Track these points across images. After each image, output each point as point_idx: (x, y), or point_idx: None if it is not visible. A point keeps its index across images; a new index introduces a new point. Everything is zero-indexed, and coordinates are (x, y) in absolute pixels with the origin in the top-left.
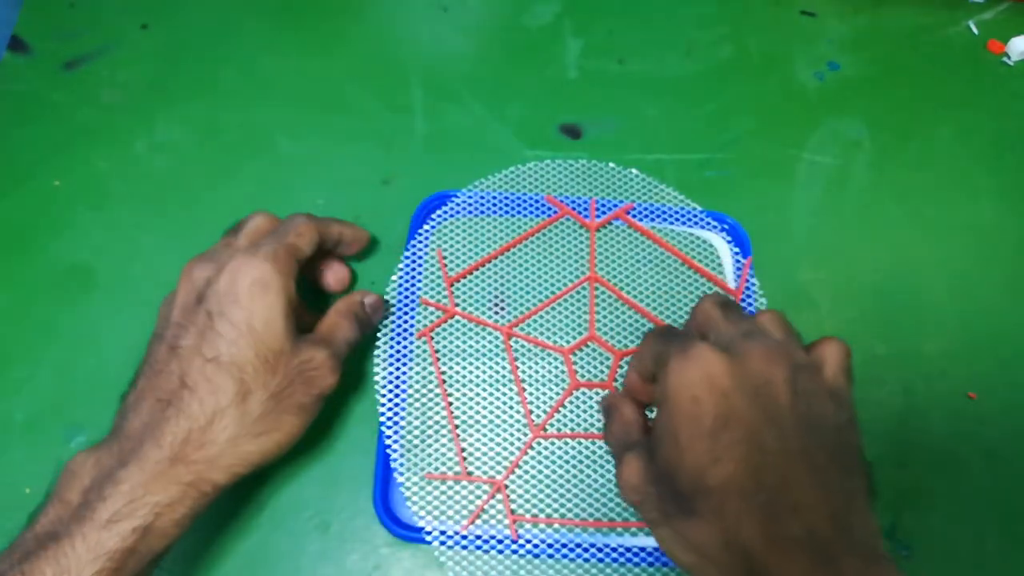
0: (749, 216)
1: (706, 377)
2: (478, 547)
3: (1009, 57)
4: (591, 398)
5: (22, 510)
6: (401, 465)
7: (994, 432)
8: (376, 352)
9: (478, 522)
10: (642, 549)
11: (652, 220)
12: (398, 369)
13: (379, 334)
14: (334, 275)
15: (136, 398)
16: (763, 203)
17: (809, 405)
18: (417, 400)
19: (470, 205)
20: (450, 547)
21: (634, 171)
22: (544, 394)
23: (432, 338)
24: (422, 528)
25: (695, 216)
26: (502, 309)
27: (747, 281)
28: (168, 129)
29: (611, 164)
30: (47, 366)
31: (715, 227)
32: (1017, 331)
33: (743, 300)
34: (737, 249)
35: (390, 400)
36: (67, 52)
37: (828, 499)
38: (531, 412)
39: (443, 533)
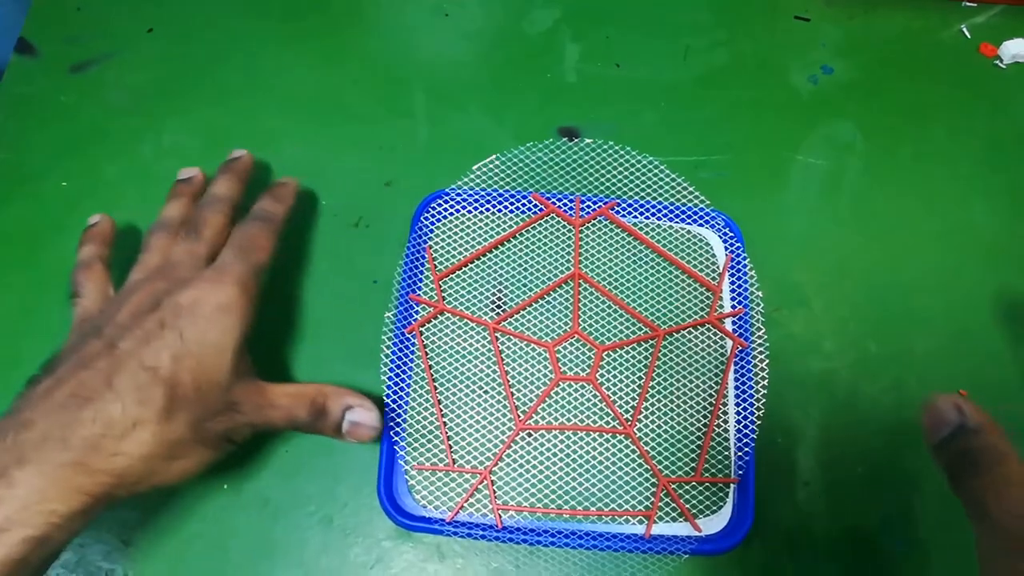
0: (744, 217)
1: None
2: (463, 535)
3: (1001, 60)
4: (575, 391)
5: None
6: (405, 455)
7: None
8: (382, 348)
9: (468, 510)
10: (616, 536)
11: (641, 216)
12: (402, 364)
13: (385, 329)
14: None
15: (49, 387)
16: (757, 205)
17: None
18: (411, 393)
19: (463, 201)
20: (446, 534)
21: (649, 158)
22: (529, 387)
23: (421, 333)
24: (425, 517)
25: (686, 212)
26: (500, 306)
27: (734, 278)
28: (174, 132)
29: (629, 150)
30: None
31: (708, 222)
32: (1007, 330)
33: (732, 297)
34: (729, 240)
35: (394, 393)
36: (74, 55)
37: None
38: (516, 405)
39: (437, 522)
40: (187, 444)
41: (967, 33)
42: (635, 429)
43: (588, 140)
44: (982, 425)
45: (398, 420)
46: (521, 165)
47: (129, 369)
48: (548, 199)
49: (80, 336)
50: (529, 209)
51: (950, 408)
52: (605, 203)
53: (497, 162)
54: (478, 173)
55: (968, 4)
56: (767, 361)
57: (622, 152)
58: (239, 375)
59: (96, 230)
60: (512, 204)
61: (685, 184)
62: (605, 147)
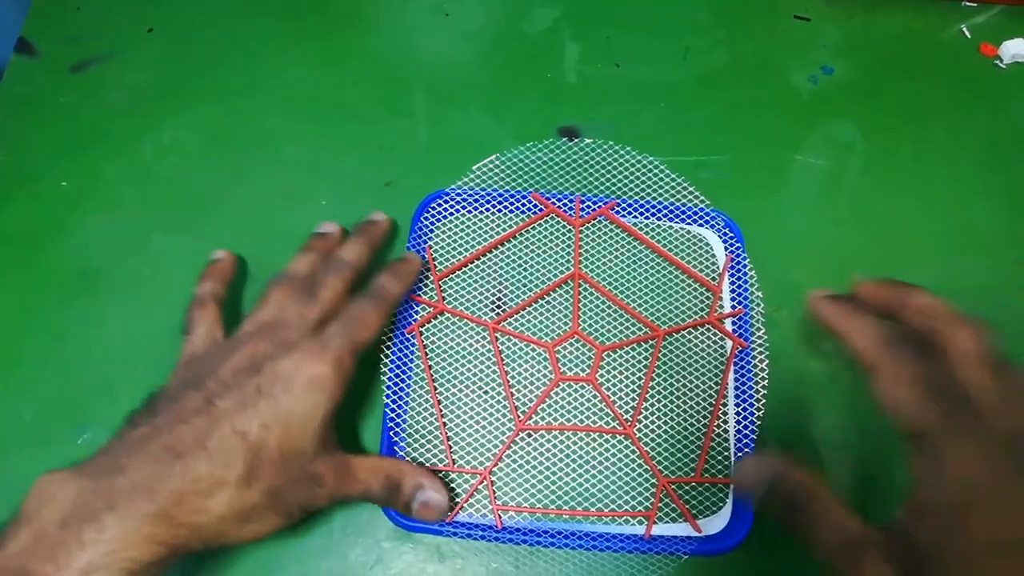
0: (744, 217)
1: (1016, 512)
2: (463, 536)
3: (1001, 60)
4: (575, 391)
5: None
6: (405, 455)
7: None
8: (382, 348)
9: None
10: (616, 536)
11: (640, 216)
12: (402, 364)
13: (385, 329)
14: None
15: (147, 434)
16: (757, 205)
17: None
18: (411, 394)
19: (463, 201)
20: (446, 535)
21: (650, 158)
22: (529, 387)
23: (421, 334)
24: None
25: (686, 212)
26: (500, 306)
27: (734, 278)
28: (175, 132)
29: (628, 149)
30: (55, 366)
31: (708, 222)
32: (1008, 330)
33: (732, 298)
34: (729, 240)
35: (395, 394)
36: (74, 55)
37: None
38: (516, 405)
39: (437, 522)
40: (262, 510)
41: (967, 33)
42: (635, 429)
43: (588, 140)
44: (787, 470)
45: (398, 420)
46: (521, 165)
47: (222, 431)
48: (548, 199)
49: (182, 383)
50: (529, 209)
51: (755, 465)
52: (605, 203)
53: (497, 162)
54: (478, 173)
55: (968, 4)
56: (767, 361)
57: (622, 152)
58: (323, 448)
59: (217, 267)
60: (512, 204)
61: (685, 184)
62: (605, 147)
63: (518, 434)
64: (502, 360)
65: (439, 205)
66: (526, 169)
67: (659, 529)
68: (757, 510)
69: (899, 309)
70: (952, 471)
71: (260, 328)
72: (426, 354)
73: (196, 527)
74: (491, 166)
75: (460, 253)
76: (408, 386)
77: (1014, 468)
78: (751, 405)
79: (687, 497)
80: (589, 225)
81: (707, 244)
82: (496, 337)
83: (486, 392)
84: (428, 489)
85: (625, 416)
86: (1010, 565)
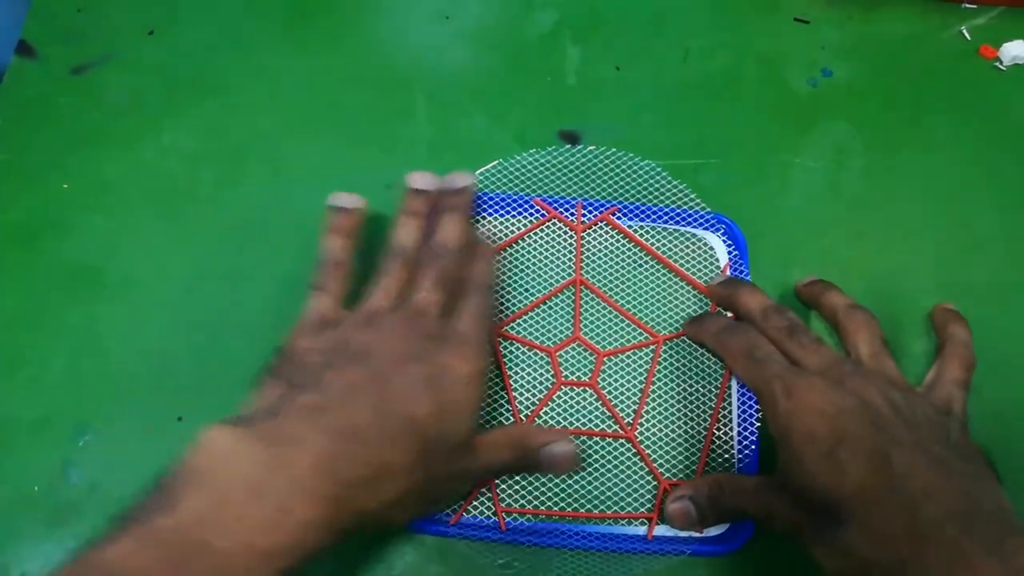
0: (743, 220)
1: (812, 409)
2: (466, 536)
3: (1001, 62)
4: (576, 395)
5: (31, 508)
6: None
7: (982, 430)
8: None
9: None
10: (618, 537)
11: (643, 220)
12: None
13: None
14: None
15: (316, 406)
16: (757, 207)
17: (913, 412)
18: None
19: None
20: (449, 536)
21: (650, 163)
22: (531, 391)
23: None
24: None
25: (688, 215)
26: (502, 310)
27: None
28: (175, 133)
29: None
30: (55, 366)
31: (709, 225)
32: (1006, 331)
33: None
34: (731, 243)
35: None
36: (74, 57)
37: (954, 481)
38: (518, 409)
39: (440, 523)
40: (416, 496)
41: (967, 35)
42: (636, 433)
43: (591, 148)
44: (697, 491)
45: None
46: (524, 170)
47: (396, 415)
48: (550, 204)
49: (332, 350)
50: (531, 214)
51: (677, 506)
52: (607, 208)
53: (499, 167)
54: (480, 178)
55: (968, 6)
56: None
57: (624, 157)
58: (472, 436)
59: (347, 221)
60: (515, 208)
61: (686, 188)
62: (607, 152)
63: None
64: (504, 364)
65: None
66: (528, 174)
67: (661, 531)
68: (711, 525)
69: (814, 302)
70: (785, 405)
71: (392, 303)
72: None
73: (364, 513)
74: (493, 171)
75: None
76: None
77: (828, 386)
78: (751, 408)
79: None
80: (591, 230)
81: (709, 247)
82: (498, 341)
83: (488, 396)
84: (554, 444)
85: (626, 420)
86: (825, 450)
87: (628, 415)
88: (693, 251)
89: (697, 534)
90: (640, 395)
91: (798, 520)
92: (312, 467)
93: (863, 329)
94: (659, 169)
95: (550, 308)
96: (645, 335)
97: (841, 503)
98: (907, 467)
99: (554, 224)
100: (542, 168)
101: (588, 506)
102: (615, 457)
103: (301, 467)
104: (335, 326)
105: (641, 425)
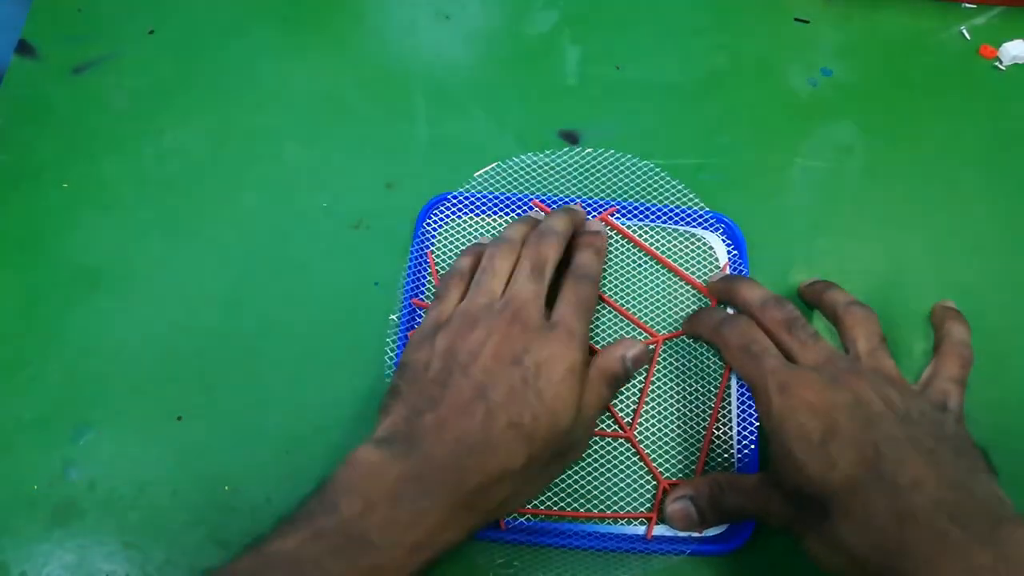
0: (743, 219)
1: (805, 405)
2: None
3: (1001, 62)
4: None
5: (31, 507)
6: None
7: (983, 428)
8: (386, 351)
9: None
10: (617, 536)
11: (643, 220)
12: None
13: (389, 332)
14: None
15: (437, 422)
16: (757, 207)
17: (907, 408)
18: None
19: (465, 205)
20: None
21: (649, 163)
22: None
23: None
24: None
25: (688, 215)
26: None
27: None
28: (175, 133)
29: (629, 156)
30: (55, 366)
31: (709, 225)
32: (1006, 331)
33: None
34: (730, 242)
35: None
36: (75, 57)
37: (945, 473)
38: None
39: None
40: (530, 487)
41: (967, 35)
42: (635, 432)
43: (589, 149)
44: (698, 492)
45: None
46: (523, 170)
47: (500, 424)
48: (549, 205)
49: (442, 364)
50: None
51: (677, 507)
52: (606, 208)
53: (499, 167)
54: (481, 179)
55: (967, 6)
56: None
57: (623, 157)
58: (578, 415)
59: (478, 250)
60: (515, 209)
61: (685, 188)
62: (607, 152)
63: None
64: None
65: (442, 208)
66: (528, 174)
67: (660, 530)
68: (711, 526)
69: (816, 301)
70: (779, 401)
71: (493, 300)
72: None
73: (487, 512)
74: (493, 172)
75: None
76: None
77: (822, 382)
78: (751, 407)
79: None
80: None
81: (708, 246)
82: None
83: None
84: (626, 351)
85: (625, 419)
86: (816, 444)
87: (627, 414)
88: (692, 251)
89: (697, 534)
90: (639, 394)
91: (791, 515)
92: (439, 481)
93: (861, 325)
94: (658, 169)
95: None
96: (645, 334)
97: (831, 496)
98: (897, 460)
99: None
100: (541, 169)
101: (587, 506)
102: (614, 457)
103: (430, 480)
104: (446, 326)
105: (640, 425)
